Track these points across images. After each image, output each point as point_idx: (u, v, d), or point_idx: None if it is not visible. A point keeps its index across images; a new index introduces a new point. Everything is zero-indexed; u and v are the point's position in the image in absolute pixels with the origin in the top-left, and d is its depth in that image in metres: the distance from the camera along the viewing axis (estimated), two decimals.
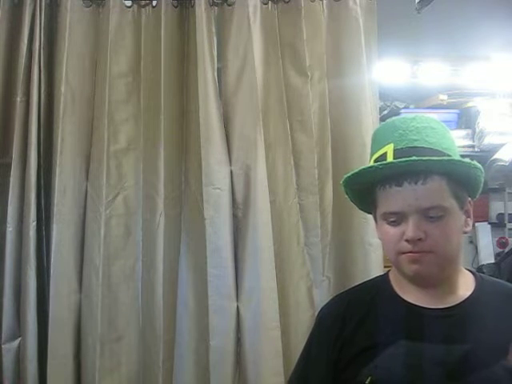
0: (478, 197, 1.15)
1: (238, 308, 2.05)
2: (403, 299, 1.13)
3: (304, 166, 2.10)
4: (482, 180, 1.10)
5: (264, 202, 2.04)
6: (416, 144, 1.08)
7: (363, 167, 1.10)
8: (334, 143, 2.12)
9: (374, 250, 2.04)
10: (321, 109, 2.13)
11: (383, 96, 2.60)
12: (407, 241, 1.05)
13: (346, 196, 1.20)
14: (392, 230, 1.08)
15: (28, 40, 2.05)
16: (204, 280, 2.03)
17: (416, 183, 1.05)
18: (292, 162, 2.10)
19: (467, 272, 1.17)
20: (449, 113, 2.92)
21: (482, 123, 2.75)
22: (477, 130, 2.78)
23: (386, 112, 2.83)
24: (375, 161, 1.10)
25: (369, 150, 2.09)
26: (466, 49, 2.74)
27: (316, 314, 2.07)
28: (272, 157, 2.11)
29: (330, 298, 2.07)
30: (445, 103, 2.90)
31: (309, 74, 2.11)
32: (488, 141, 2.71)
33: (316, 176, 2.09)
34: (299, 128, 2.12)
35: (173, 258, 2.08)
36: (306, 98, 2.11)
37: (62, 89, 2.06)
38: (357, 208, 1.26)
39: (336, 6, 2.14)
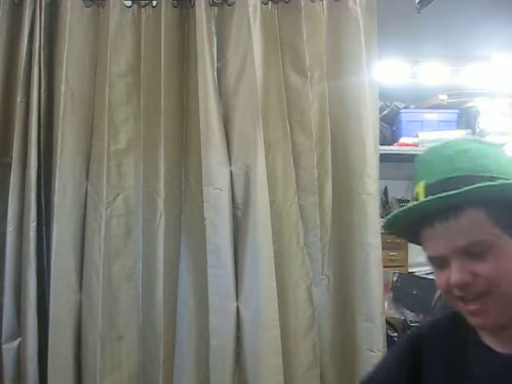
0: None
1: (237, 307, 2.05)
2: (488, 346, 0.99)
3: (304, 166, 2.11)
4: None
5: (264, 202, 2.05)
6: (449, 175, 0.94)
7: (389, 216, 1.02)
8: (334, 143, 2.12)
9: (373, 249, 2.04)
10: (321, 109, 2.13)
11: (383, 96, 2.60)
12: (456, 287, 0.93)
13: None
14: (440, 276, 0.96)
15: (28, 40, 2.05)
16: (204, 280, 2.03)
17: (447, 221, 0.92)
18: (292, 162, 2.10)
19: None
20: (449, 113, 2.92)
21: (482, 123, 2.76)
22: (477, 130, 2.78)
23: (386, 112, 2.83)
24: (415, 199, 1.00)
25: (368, 150, 2.12)
26: (466, 49, 2.74)
27: (315, 312, 2.09)
28: (272, 157, 2.11)
29: (330, 296, 2.10)
30: (445, 103, 2.90)
31: (309, 74, 2.11)
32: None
33: (316, 176, 2.09)
34: (299, 128, 2.12)
35: (173, 258, 2.09)
36: (306, 98, 2.11)
37: (62, 89, 2.06)
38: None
39: (336, 6, 2.14)
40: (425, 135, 2.80)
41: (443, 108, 2.92)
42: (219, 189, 2.06)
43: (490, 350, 0.97)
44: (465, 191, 0.89)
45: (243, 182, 2.08)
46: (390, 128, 2.90)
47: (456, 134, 2.81)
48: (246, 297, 2.05)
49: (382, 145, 2.38)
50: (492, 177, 0.92)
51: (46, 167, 2.07)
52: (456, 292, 0.93)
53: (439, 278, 0.96)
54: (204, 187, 2.04)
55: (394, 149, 2.74)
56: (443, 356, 1.03)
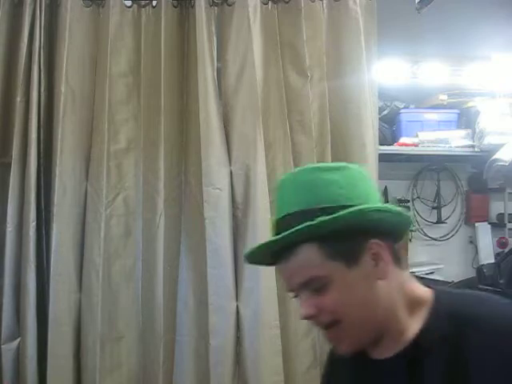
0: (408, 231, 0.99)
1: (237, 307, 2.05)
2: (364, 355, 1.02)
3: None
4: (383, 217, 0.94)
5: (264, 202, 2.05)
6: (289, 209, 0.95)
7: (247, 251, 1.03)
8: (334, 143, 2.12)
9: None
10: (321, 109, 2.13)
11: (383, 96, 2.60)
12: (306, 320, 0.98)
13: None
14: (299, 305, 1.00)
15: (28, 40, 2.05)
16: (204, 280, 2.03)
17: (287, 260, 0.95)
18: (292, 162, 2.10)
19: (422, 300, 0.97)
20: (449, 113, 2.92)
21: (482, 123, 2.75)
22: (477, 130, 2.78)
23: (385, 112, 2.83)
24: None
25: (368, 150, 2.12)
26: (466, 49, 2.73)
27: None
28: (272, 157, 2.11)
29: None
30: (445, 103, 2.90)
31: (309, 74, 2.11)
32: (488, 141, 2.70)
33: None
34: (299, 128, 2.12)
35: (173, 258, 2.09)
36: (306, 98, 2.11)
37: (62, 89, 2.06)
38: None
39: (336, 6, 2.14)
40: (425, 135, 2.80)
41: (443, 108, 2.91)
42: (219, 189, 2.06)
43: (368, 359, 1.01)
44: (288, 234, 0.92)
45: (243, 182, 2.08)
46: (390, 128, 2.90)
47: (456, 134, 2.81)
48: (246, 297, 2.05)
49: (381, 145, 2.38)
50: (323, 208, 0.92)
51: (46, 167, 2.07)
52: (313, 323, 0.99)
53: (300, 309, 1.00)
54: (204, 187, 2.04)
55: (393, 149, 2.74)
56: (340, 377, 1.09)
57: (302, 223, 0.91)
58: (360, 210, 0.92)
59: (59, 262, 2.03)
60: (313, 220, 0.90)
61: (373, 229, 0.95)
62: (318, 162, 2.10)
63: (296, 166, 2.11)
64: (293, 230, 0.92)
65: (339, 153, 2.11)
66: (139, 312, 2.08)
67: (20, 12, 2.07)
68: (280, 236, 0.93)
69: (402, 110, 2.89)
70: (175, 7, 2.14)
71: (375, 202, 0.97)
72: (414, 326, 0.95)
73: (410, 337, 0.95)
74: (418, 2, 2.15)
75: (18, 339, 2.03)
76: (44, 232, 2.05)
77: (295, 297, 0.99)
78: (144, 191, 2.10)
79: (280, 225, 0.97)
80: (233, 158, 2.10)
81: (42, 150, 2.06)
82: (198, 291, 2.07)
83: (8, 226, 2.02)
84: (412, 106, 2.97)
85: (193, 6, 2.12)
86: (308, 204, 0.94)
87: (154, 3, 2.14)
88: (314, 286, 0.94)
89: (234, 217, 2.09)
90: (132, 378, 2.07)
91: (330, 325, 0.96)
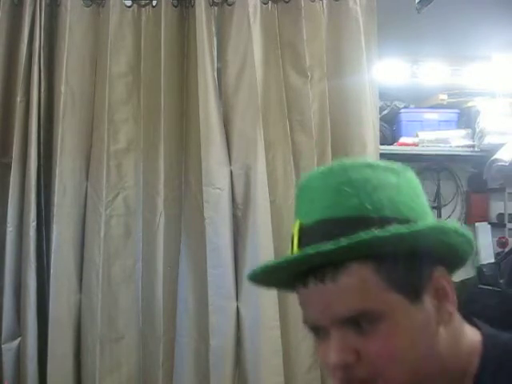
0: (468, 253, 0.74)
1: (237, 308, 2.05)
2: None
3: (304, 166, 2.10)
4: (461, 243, 0.71)
5: (264, 202, 2.04)
6: (328, 215, 0.70)
7: (255, 269, 0.77)
8: (334, 143, 2.12)
9: None
10: (321, 109, 2.13)
11: (383, 96, 2.60)
12: (336, 369, 0.70)
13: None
14: (320, 347, 0.73)
15: (28, 40, 2.05)
16: (204, 280, 2.03)
17: (323, 282, 0.69)
18: (292, 162, 2.10)
19: (472, 350, 0.74)
20: (449, 113, 2.92)
21: (482, 123, 2.75)
22: (477, 129, 2.78)
23: (385, 112, 2.83)
24: (291, 241, 0.76)
25: (368, 150, 2.12)
26: (466, 49, 2.73)
27: None
28: (272, 157, 2.11)
29: None
30: (445, 103, 2.90)
31: (309, 74, 2.11)
32: (488, 141, 2.70)
33: None
34: (299, 128, 2.12)
35: (173, 258, 2.08)
36: (306, 97, 2.11)
37: (62, 89, 2.06)
38: None
39: (336, 6, 2.14)
40: (425, 135, 2.80)
41: (443, 108, 2.91)
42: (219, 189, 2.06)
43: None
44: (341, 246, 0.66)
45: (243, 182, 2.08)
46: (390, 128, 2.90)
47: (456, 134, 2.81)
48: (246, 297, 2.04)
49: (381, 145, 2.38)
50: (383, 218, 0.68)
51: (46, 167, 2.07)
52: (338, 374, 0.70)
53: (320, 352, 0.73)
54: (204, 187, 2.04)
55: (393, 149, 2.73)
56: None
57: (355, 233, 0.66)
58: (442, 227, 0.69)
59: (59, 262, 2.03)
60: (368, 231, 0.65)
61: (440, 255, 0.72)
62: (318, 161, 2.10)
63: (296, 165, 2.11)
64: (353, 240, 0.65)
65: (339, 153, 2.11)
66: (139, 312, 2.08)
67: (20, 12, 2.07)
68: (330, 247, 0.66)
69: (402, 110, 2.88)
70: (175, 7, 2.14)
71: (432, 219, 0.74)
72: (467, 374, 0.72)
73: None
74: (418, 2, 2.15)
75: (19, 339, 2.03)
76: (44, 232, 2.05)
77: (315, 333, 0.74)
78: (144, 191, 2.09)
79: (311, 233, 0.71)
80: (233, 157, 2.10)
81: (42, 150, 2.06)
82: (198, 291, 2.07)
83: (8, 225, 2.02)
84: (412, 106, 2.97)
85: (193, 6, 2.11)
86: (359, 210, 0.69)
87: (154, 3, 2.14)
88: (359, 323, 0.68)
89: (234, 217, 2.09)
90: (132, 378, 2.07)
91: (365, 381, 0.69)
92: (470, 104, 2.90)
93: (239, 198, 2.09)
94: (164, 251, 2.06)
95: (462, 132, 2.83)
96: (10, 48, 2.09)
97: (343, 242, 0.65)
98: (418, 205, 0.72)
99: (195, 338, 2.06)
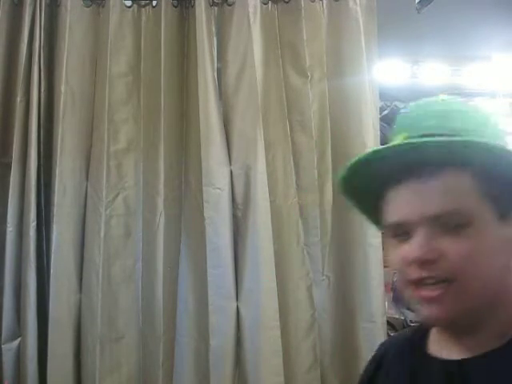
0: None
1: (237, 308, 2.05)
2: (429, 354, 0.81)
3: (304, 166, 2.10)
4: None
5: (264, 202, 2.04)
6: (433, 131, 0.75)
7: (351, 163, 0.81)
8: (334, 143, 2.12)
9: (373, 249, 2.04)
10: (321, 109, 2.13)
11: (383, 96, 2.60)
12: (416, 264, 0.73)
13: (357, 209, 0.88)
14: (398, 249, 0.76)
15: (28, 40, 2.05)
16: (204, 280, 2.03)
17: (419, 178, 0.73)
18: (292, 162, 2.10)
19: None
20: None
21: None
22: None
23: (386, 112, 2.83)
24: None
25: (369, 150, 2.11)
26: (466, 49, 2.74)
27: (316, 313, 2.09)
28: (272, 157, 2.11)
29: (330, 297, 2.10)
30: None
31: (309, 74, 2.11)
32: None
33: (316, 176, 2.09)
34: (299, 128, 2.12)
35: (173, 258, 2.08)
36: (306, 98, 2.11)
37: (62, 89, 2.06)
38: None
39: (336, 6, 2.14)
40: None
41: None
42: (219, 189, 2.06)
43: (435, 359, 0.80)
44: (462, 142, 0.71)
45: (243, 182, 2.08)
46: (390, 128, 2.90)
47: None
48: (246, 297, 2.04)
49: (382, 145, 2.37)
50: (487, 144, 0.72)
51: (46, 167, 2.07)
52: (413, 272, 0.73)
53: (395, 253, 0.76)
54: (204, 187, 2.04)
55: None
56: (397, 375, 0.86)
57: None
58: None
59: (59, 262, 2.03)
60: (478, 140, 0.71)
61: None
62: (318, 161, 2.10)
63: (296, 165, 2.11)
64: (463, 138, 0.71)
65: (339, 153, 2.11)
66: (139, 312, 2.08)
67: (20, 12, 2.07)
68: (447, 139, 0.71)
69: (401, 110, 2.89)
70: (175, 7, 2.14)
71: None
72: None
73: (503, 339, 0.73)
74: (418, 2, 2.15)
75: (19, 339, 2.02)
76: (44, 232, 2.05)
77: (401, 236, 0.75)
78: (144, 191, 2.10)
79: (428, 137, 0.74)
80: (233, 157, 2.10)
81: (42, 150, 2.06)
82: (198, 291, 2.07)
83: (8, 225, 2.02)
84: None
85: (193, 6, 2.11)
86: (462, 132, 0.74)
87: (154, 3, 2.14)
88: (447, 222, 0.71)
89: (234, 217, 2.09)
90: (132, 377, 2.07)
91: (441, 280, 0.72)
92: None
93: (239, 198, 2.09)
94: (164, 251, 2.06)
95: None
96: (9, 48, 2.09)
97: (460, 139, 0.71)
98: (502, 130, 0.79)
99: (195, 337, 2.06)
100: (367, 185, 0.80)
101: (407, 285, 0.75)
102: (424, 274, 0.72)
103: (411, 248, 0.73)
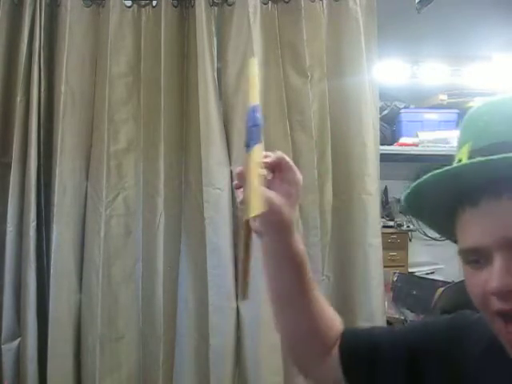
0: None
1: (237, 307, 2.05)
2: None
3: (304, 166, 2.10)
4: None
5: None
6: (504, 138, 0.66)
7: (415, 183, 0.71)
8: (334, 143, 2.12)
9: (373, 249, 2.04)
10: (321, 108, 2.13)
11: (383, 96, 2.60)
12: (496, 296, 0.64)
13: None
14: (474, 276, 0.68)
15: (28, 40, 2.05)
16: (204, 280, 2.03)
17: (498, 199, 0.64)
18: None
19: None
20: (449, 113, 2.92)
21: None
22: None
23: (386, 112, 2.84)
24: None
25: (368, 150, 2.12)
26: (466, 49, 2.74)
27: None
28: None
29: (330, 297, 2.09)
30: (445, 103, 2.90)
31: (309, 74, 2.11)
32: None
33: (316, 176, 2.09)
34: (299, 128, 2.12)
35: (173, 258, 2.09)
36: (306, 97, 2.11)
37: (62, 89, 2.06)
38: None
39: (336, 6, 2.14)
40: (425, 135, 2.80)
41: (443, 108, 2.92)
42: (219, 189, 2.06)
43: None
44: None
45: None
46: (390, 128, 2.90)
47: (456, 134, 2.81)
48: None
49: (382, 145, 2.38)
50: None
51: (46, 167, 2.07)
52: (495, 303, 0.65)
53: (472, 281, 0.68)
54: (204, 187, 2.04)
55: (393, 149, 2.74)
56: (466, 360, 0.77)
57: None
58: None
59: (59, 262, 2.03)
60: None
61: None
62: (318, 161, 2.10)
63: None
64: None
65: (339, 153, 2.11)
66: (139, 312, 2.08)
67: (20, 12, 2.07)
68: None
69: (402, 110, 2.89)
70: (175, 7, 2.14)
71: None
72: None
73: None
74: (418, 2, 2.15)
75: (19, 339, 2.03)
76: (44, 232, 2.05)
77: (471, 261, 0.68)
78: (144, 191, 2.10)
79: (492, 152, 0.64)
80: (233, 157, 2.10)
81: (42, 150, 2.06)
82: (198, 291, 2.07)
83: (8, 225, 2.02)
84: (412, 106, 2.97)
85: (193, 6, 2.12)
86: None
87: (154, 3, 2.14)
88: None
89: (234, 217, 2.09)
90: (132, 377, 2.07)
91: None
92: (469, 104, 2.90)
93: (239, 198, 2.08)
94: (164, 251, 2.06)
95: None
96: (9, 48, 2.08)
97: None
98: None
99: (195, 337, 2.07)
100: (436, 205, 0.72)
101: (492, 317, 0.66)
102: (508, 306, 0.64)
103: (490, 277, 0.64)
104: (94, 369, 2.02)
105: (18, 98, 2.04)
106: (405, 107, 2.90)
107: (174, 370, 2.06)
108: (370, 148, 2.10)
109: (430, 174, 0.68)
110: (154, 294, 2.05)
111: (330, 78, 2.14)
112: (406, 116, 2.87)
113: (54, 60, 2.11)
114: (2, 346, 2.01)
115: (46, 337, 2.01)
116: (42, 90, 2.06)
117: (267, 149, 2.27)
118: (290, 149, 2.10)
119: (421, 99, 2.99)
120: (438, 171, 0.68)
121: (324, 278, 2.10)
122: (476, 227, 0.66)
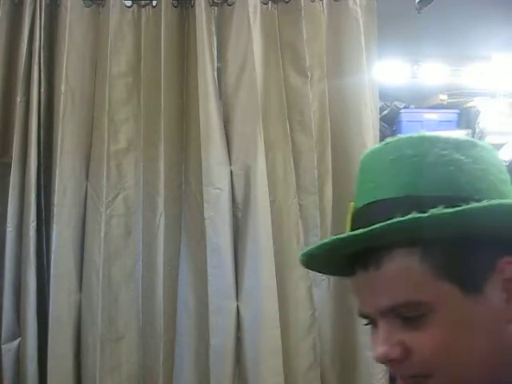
0: None
1: (237, 307, 2.05)
2: None
3: (304, 166, 2.11)
4: None
5: (264, 202, 2.04)
6: (376, 196, 0.65)
7: (303, 253, 0.76)
8: (334, 143, 2.12)
9: None
10: (321, 109, 2.13)
11: (383, 96, 2.60)
12: (378, 362, 0.66)
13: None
14: (373, 336, 0.68)
15: (28, 40, 2.05)
16: (204, 280, 2.03)
17: (367, 270, 0.64)
18: (292, 162, 2.10)
19: None
20: (449, 113, 2.92)
21: (482, 123, 2.75)
22: (477, 129, 2.78)
23: (386, 112, 2.83)
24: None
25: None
26: (466, 49, 2.73)
27: (316, 313, 2.09)
28: (272, 157, 2.11)
29: (330, 297, 2.10)
30: (445, 103, 2.90)
31: (309, 74, 2.11)
32: (488, 141, 2.70)
33: (316, 176, 2.09)
34: (299, 128, 2.12)
35: (173, 258, 2.08)
36: (306, 98, 2.11)
37: (62, 89, 2.06)
38: None
39: (336, 6, 2.14)
40: None
41: (443, 108, 2.91)
42: (219, 189, 2.06)
43: None
44: (380, 228, 0.60)
45: (243, 182, 2.08)
46: (390, 128, 2.90)
47: (455, 134, 2.81)
48: (246, 297, 2.05)
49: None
50: (435, 197, 0.61)
51: (46, 167, 2.07)
52: (390, 368, 0.66)
53: (372, 341, 0.67)
54: (204, 187, 2.04)
55: None
56: None
57: (405, 215, 0.59)
58: (500, 205, 0.59)
59: (59, 262, 2.03)
60: (424, 212, 0.58)
61: (509, 240, 0.62)
62: (318, 161, 2.10)
63: (296, 165, 2.11)
64: (389, 222, 0.59)
65: (339, 153, 2.11)
66: (139, 312, 2.08)
67: (20, 12, 2.07)
68: (366, 230, 0.61)
69: (402, 110, 2.89)
70: (175, 7, 2.14)
71: (509, 197, 0.64)
72: None
73: None
74: (418, 2, 2.15)
75: (18, 339, 2.02)
76: (44, 232, 2.05)
77: (369, 324, 0.69)
78: (144, 191, 2.09)
79: (366, 214, 0.65)
80: (233, 157, 2.10)
81: (42, 150, 2.06)
82: (198, 291, 2.07)
83: (8, 225, 2.02)
84: (412, 106, 2.97)
85: (193, 6, 2.12)
86: (408, 189, 0.62)
87: (154, 3, 2.14)
88: (407, 315, 0.62)
89: (234, 217, 2.09)
90: (132, 377, 2.07)
91: (421, 377, 0.62)
92: (470, 104, 2.90)
93: (239, 198, 2.09)
94: (164, 251, 2.06)
95: (462, 132, 2.83)
96: (9, 48, 2.08)
97: (383, 224, 0.60)
98: (486, 182, 0.63)
99: (195, 337, 2.06)
100: (333, 268, 0.75)
101: (397, 377, 0.66)
102: (400, 371, 0.64)
103: (377, 344, 0.64)
104: (94, 369, 2.02)
105: (18, 98, 2.04)
106: (405, 107, 2.90)
107: (174, 370, 2.06)
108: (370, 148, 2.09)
109: (313, 247, 0.71)
110: (154, 294, 2.05)
111: (330, 78, 2.14)
112: (405, 116, 2.87)
113: (54, 60, 2.11)
114: (2, 346, 2.01)
115: (46, 337, 2.01)
116: (42, 90, 2.06)
117: (267, 149, 2.29)
118: (290, 149, 2.11)
119: (421, 99, 2.98)
120: (323, 243, 0.69)
121: (324, 278, 2.10)
122: (358, 296, 0.68)
